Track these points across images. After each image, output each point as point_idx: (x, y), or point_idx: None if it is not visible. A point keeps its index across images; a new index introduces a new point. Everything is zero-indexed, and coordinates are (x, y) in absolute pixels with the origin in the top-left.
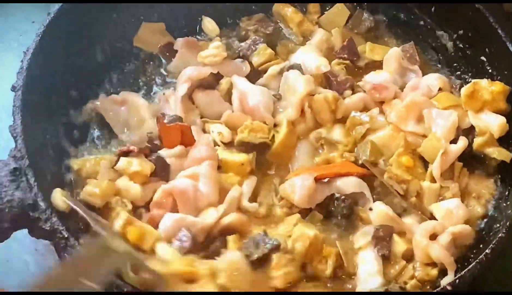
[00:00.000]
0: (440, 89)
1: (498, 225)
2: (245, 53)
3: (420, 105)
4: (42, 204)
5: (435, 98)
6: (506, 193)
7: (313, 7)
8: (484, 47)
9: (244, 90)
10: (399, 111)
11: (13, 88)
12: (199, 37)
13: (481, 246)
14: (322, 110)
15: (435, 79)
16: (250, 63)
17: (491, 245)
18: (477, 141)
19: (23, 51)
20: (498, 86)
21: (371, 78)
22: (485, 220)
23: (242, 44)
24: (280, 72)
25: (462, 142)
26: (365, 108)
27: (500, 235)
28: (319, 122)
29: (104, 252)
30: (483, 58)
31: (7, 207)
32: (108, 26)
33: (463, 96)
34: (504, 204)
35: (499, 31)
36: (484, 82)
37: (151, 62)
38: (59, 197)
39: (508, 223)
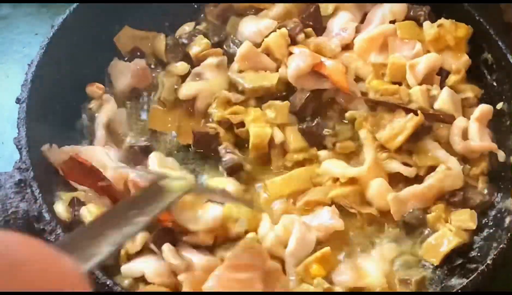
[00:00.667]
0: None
1: (499, 238)
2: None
3: (383, 36)
4: (46, 216)
5: (398, 25)
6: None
7: None
8: (485, 59)
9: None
10: (360, 44)
11: (18, 101)
12: None
13: (482, 257)
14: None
15: (389, 10)
16: (188, 54)
17: (492, 255)
18: (452, 78)
19: (28, 64)
20: (463, 31)
21: (334, 25)
22: (486, 231)
23: (184, 40)
24: (218, 65)
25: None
26: None
27: (501, 245)
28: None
29: (160, 191)
30: (484, 70)
31: (12, 219)
32: (112, 38)
33: (428, 40)
34: (505, 214)
35: (500, 43)
36: (448, 25)
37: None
38: (60, 208)
39: (509, 234)
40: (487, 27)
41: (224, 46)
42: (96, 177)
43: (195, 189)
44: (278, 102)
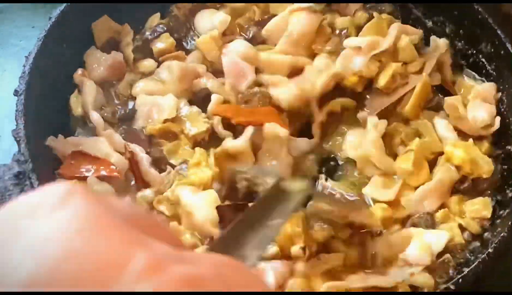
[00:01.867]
0: None
1: (500, 224)
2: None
3: None
4: None
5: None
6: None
7: None
8: (484, 49)
9: None
10: None
11: (16, 93)
12: None
13: (483, 246)
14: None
15: None
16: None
17: (493, 244)
18: None
19: (25, 56)
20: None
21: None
22: (488, 221)
23: (148, 34)
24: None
25: None
26: None
27: (502, 234)
28: None
29: (282, 193)
30: (483, 59)
31: None
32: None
33: None
34: (507, 202)
35: (499, 32)
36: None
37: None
38: None
39: (510, 223)
40: (486, 16)
41: (183, 43)
42: (102, 164)
43: (315, 193)
44: None
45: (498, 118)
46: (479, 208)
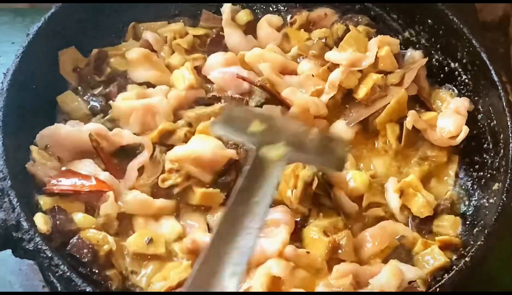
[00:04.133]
0: None
1: (476, 233)
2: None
3: None
4: (25, 224)
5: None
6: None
7: None
8: (460, 58)
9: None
10: None
11: None
12: None
13: (460, 253)
14: None
15: None
16: None
17: (470, 253)
18: None
19: (3, 73)
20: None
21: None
22: (465, 227)
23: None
24: None
25: None
26: None
27: (479, 243)
28: None
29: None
30: (459, 69)
31: None
32: (87, 46)
33: None
34: (484, 210)
35: (474, 42)
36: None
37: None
38: (39, 221)
39: (486, 231)
40: (461, 26)
41: None
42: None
43: (295, 155)
44: None
45: (465, 129)
46: (447, 225)
